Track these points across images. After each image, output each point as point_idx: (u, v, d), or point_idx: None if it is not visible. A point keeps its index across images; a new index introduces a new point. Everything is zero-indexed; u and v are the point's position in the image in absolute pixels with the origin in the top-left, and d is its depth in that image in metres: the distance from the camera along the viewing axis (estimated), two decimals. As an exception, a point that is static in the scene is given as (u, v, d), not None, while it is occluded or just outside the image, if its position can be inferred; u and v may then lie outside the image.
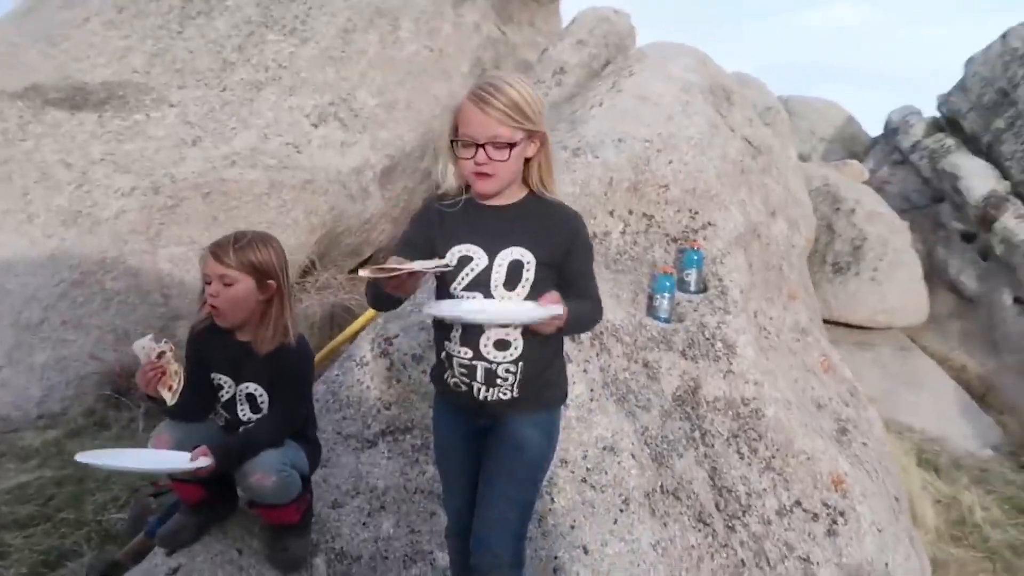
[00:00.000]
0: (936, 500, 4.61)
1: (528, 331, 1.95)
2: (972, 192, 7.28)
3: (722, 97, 4.53)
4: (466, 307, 1.93)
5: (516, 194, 1.98)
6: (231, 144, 5.49)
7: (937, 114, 8.56)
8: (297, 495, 2.22)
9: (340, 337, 4.17)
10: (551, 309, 1.82)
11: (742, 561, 2.74)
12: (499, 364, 1.97)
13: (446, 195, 2.00)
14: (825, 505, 3.02)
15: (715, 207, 3.69)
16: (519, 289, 1.94)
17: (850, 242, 7.10)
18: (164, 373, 2.05)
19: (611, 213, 3.64)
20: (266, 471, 2.09)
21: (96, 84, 6.03)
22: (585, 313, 2.00)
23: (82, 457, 1.97)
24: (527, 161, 1.93)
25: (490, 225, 1.96)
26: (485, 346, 1.96)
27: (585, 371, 2.88)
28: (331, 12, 6.34)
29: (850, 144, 10.06)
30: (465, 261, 1.94)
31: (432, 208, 2.03)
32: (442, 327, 2.02)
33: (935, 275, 7.43)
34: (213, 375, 2.24)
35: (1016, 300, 6.72)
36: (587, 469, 2.67)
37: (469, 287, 1.95)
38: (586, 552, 2.51)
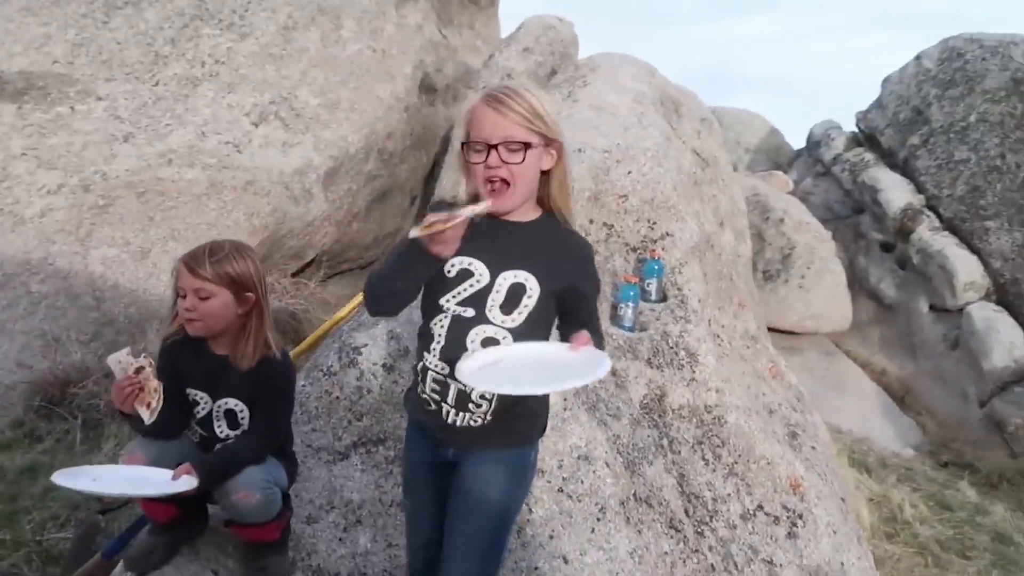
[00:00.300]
0: (869, 499, 4.82)
1: None
2: (891, 205, 7.66)
3: (671, 109, 4.63)
4: (487, 358, 1.72)
5: (530, 213, 1.87)
6: (166, 141, 5.26)
7: (856, 129, 8.99)
8: (278, 512, 2.14)
9: (314, 335, 4.01)
10: (599, 365, 1.60)
11: (712, 566, 2.79)
12: (474, 388, 1.81)
13: (455, 203, 1.84)
14: (785, 508, 3.11)
15: (672, 218, 3.76)
16: (515, 315, 1.83)
17: (780, 251, 7.36)
18: (142, 389, 1.94)
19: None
20: (250, 489, 2.01)
21: (12, 73, 5.69)
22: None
23: (58, 479, 1.85)
24: (544, 177, 1.84)
25: (498, 242, 1.83)
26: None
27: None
28: (271, 8, 6.16)
29: (775, 155, 10.44)
30: (465, 275, 1.83)
31: (442, 208, 1.82)
32: (427, 335, 1.89)
33: (857, 283, 7.79)
34: (188, 390, 2.14)
35: (932, 307, 7.11)
36: (563, 479, 2.68)
37: (464, 303, 1.84)
38: (566, 562, 2.51)
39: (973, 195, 7.22)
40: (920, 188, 7.70)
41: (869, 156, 8.46)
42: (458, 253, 1.79)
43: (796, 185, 9.10)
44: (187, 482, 1.93)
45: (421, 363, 1.91)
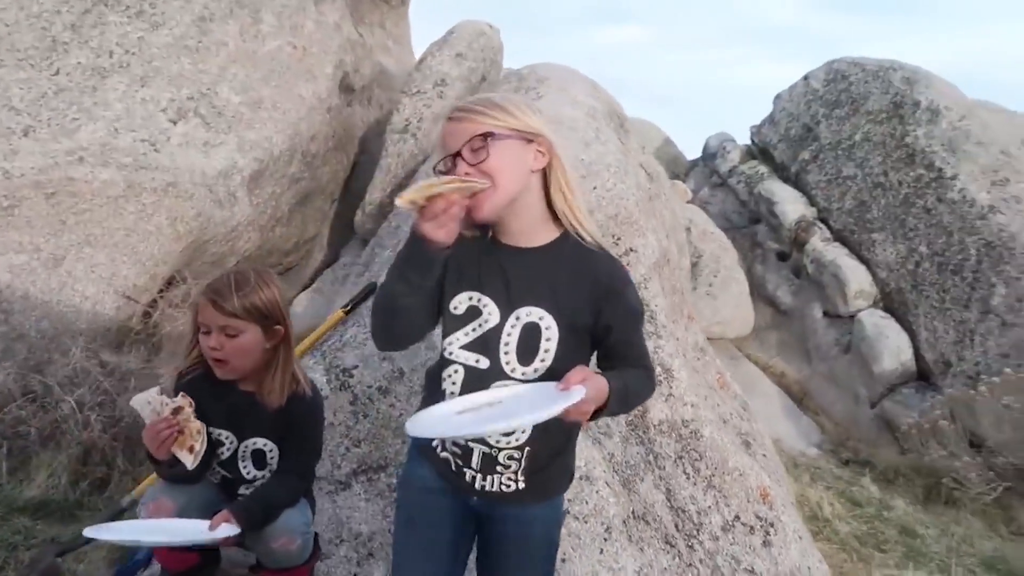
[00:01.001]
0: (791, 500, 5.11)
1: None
2: (786, 216, 8.15)
3: (618, 123, 4.72)
4: (456, 422, 1.52)
5: (542, 235, 1.62)
6: (74, 138, 4.82)
7: (750, 143, 9.49)
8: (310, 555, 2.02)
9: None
10: (569, 396, 1.42)
11: (704, 578, 2.88)
12: (501, 450, 1.63)
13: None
14: (758, 517, 3.25)
15: (635, 233, 3.84)
16: (536, 363, 1.58)
17: (688, 259, 7.67)
18: (182, 432, 1.78)
19: (542, 237, 3.66)
20: (292, 535, 1.89)
21: None
22: (634, 389, 1.64)
23: (90, 532, 1.66)
24: (546, 184, 1.62)
25: (509, 272, 1.60)
26: None
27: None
28: (185, -3, 5.78)
29: (672, 165, 10.84)
30: (472, 314, 1.62)
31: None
32: (437, 383, 1.65)
33: (755, 290, 8.23)
34: (211, 430, 1.98)
35: (825, 314, 7.62)
36: (568, 500, 2.68)
37: (472, 347, 1.61)
38: (578, 585, 2.52)
39: (860, 209, 7.79)
40: (812, 201, 8.23)
41: (763, 169, 8.96)
42: (463, 287, 1.62)
43: (694, 195, 9.50)
44: (226, 530, 1.78)
45: None
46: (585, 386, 1.45)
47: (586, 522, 2.64)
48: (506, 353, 1.60)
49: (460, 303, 1.64)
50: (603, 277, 1.63)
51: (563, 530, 2.62)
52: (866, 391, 7.00)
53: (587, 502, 2.67)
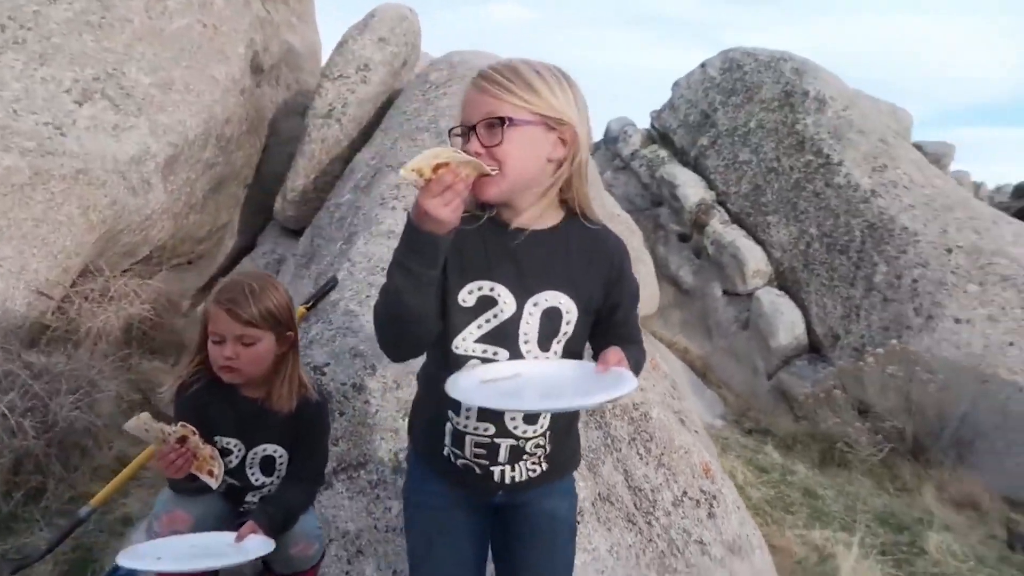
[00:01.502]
0: (709, 469, 5.44)
1: None
2: (687, 200, 8.53)
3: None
4: (503, 372, 1.44)
5: (551, 216, 1.53)
6: (-31, 120, 4.46)
7: (651, 127, 9.84)
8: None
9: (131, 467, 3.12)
10: (624, 380, 1.38)
11: (662, 552, 3.07)
12: (528, 440, 1.57)
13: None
14: (702, 491, 3.48)
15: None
16: (555, 346, 1.52)
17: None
18: (196, 457, 1.75)
19: (491, 228, 3.73)
20: (309, 539, 1.91)
21: None
22: (640, 362, 1.62)
23: (123, 560, 1.62)
24: (559, 172, 1.48)
25: (520, 257, 1.49)
26: (512, 419, 1.56)
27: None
28: (83, -32, 5.41)
29: (574, 148, 11.09)
30: (486, 304, 1.50)
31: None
32: (443, 387, 1.47)
33: (658, 270, 8.59)
34: (218, 438, 1.95)
35: (725, 292, 8.07)
36: (542, 486, 2.79)
37: (487, 339, 1.51)
38: (559, 567, 2.64)
39: (755, 193, 8.26)
40: (711, 185, 8.66)
41: (664, 153, 9.32)
42: (470, 277, 1.49)
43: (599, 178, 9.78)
44: (265, 545, 1.76)
45: (448, 424, 1.58)
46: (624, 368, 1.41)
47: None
48: (526, 342, 1.50)
49: (468, 295, 1.50)
50: (615, 257, 1.58)
51: (539, 515, 2.73)
52: (764, 364, 7.49)
53: (559, 487, 2.81)
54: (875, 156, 7.75)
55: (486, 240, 1.50)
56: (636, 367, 1.54)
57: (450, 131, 1.51)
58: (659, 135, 9.65)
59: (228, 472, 1.96)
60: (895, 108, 10.47)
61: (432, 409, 1.60)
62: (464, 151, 1.40)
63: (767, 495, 5.41)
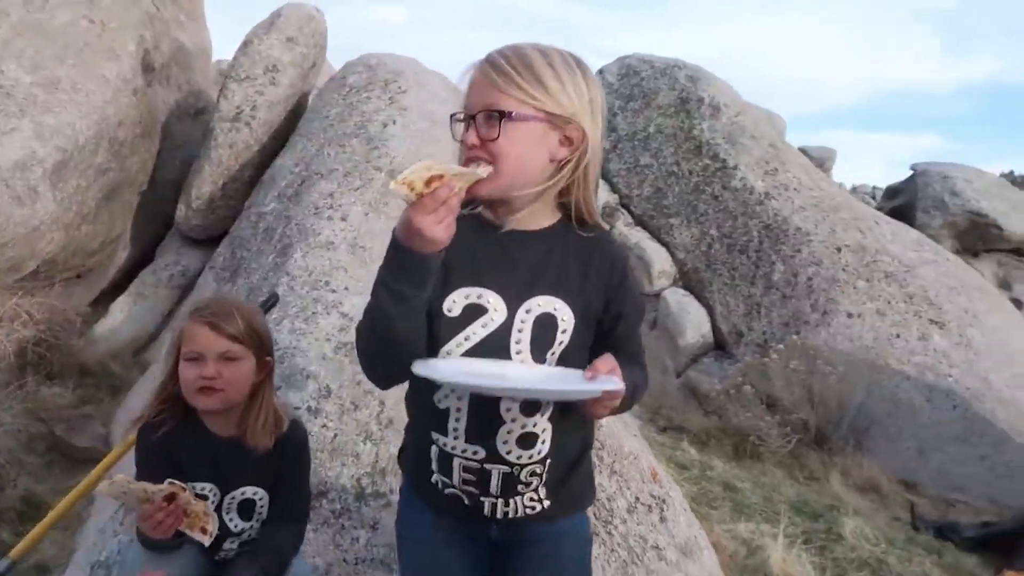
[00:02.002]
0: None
1: (558, 416, 1.44)
2: (592, 202, 8.66)
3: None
4: (487, 371, 1.34)
5: (546, 217, 1.42)
6: None
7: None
8: (302, 598, 1.89)
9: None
10: (611, 382, 1.29)
11: (624, 561, 3.06)
12: (523, 467, 1.43)
13: None
14: (652, 496, 3.50)
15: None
16: (548, 357, 1.40)
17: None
18: (187, 515, 1.57)
19: (431, 237, 3.62)
20: (302, 584, 1.75)
21: None
22: (640, 386, 1.49)
23: None
24: (560, 171, 1.38)
25: (511, 260, 1.39)
26: (505, 442, 1.41)
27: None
28: (-51, -45, 4.88)
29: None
30: (474, 313, 1.37)
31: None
32: (429, 408, 1.43)
33: (566, 273, 8.69)
34: (191, 484, 1.76)
35: (632, 293, 8.25)
36: (509, 503, 2.72)
37: (475, 352, 1.38)
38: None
39: (657, 196, 8.48)
40: (614, 188, 8.82)
41: (566, 157, 9.43)
42: (457, 283, 1.38)
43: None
44: None
45: (433, 447, 1.45)
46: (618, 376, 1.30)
47: (528, 523, 2.71)
48: (518, 352, 1.39)
49: (455, 303, 1.38)
50: (616, 263, 1.47)
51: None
52: (672, 363, 7.69)
53: (526, 503, 2.74)
54: (767, 160, 8.12)
55: (472, 241, 1.37)
56: (634, 392, 1.42)
57: (452, 116, 1.40)
58: (560, 139, 9.75)
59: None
60: (770, 113, 11.02)
61: (421, 432, 1.47)
62: (463, 140, 1.33)
63: (691, 491, 5.53)
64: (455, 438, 1.42)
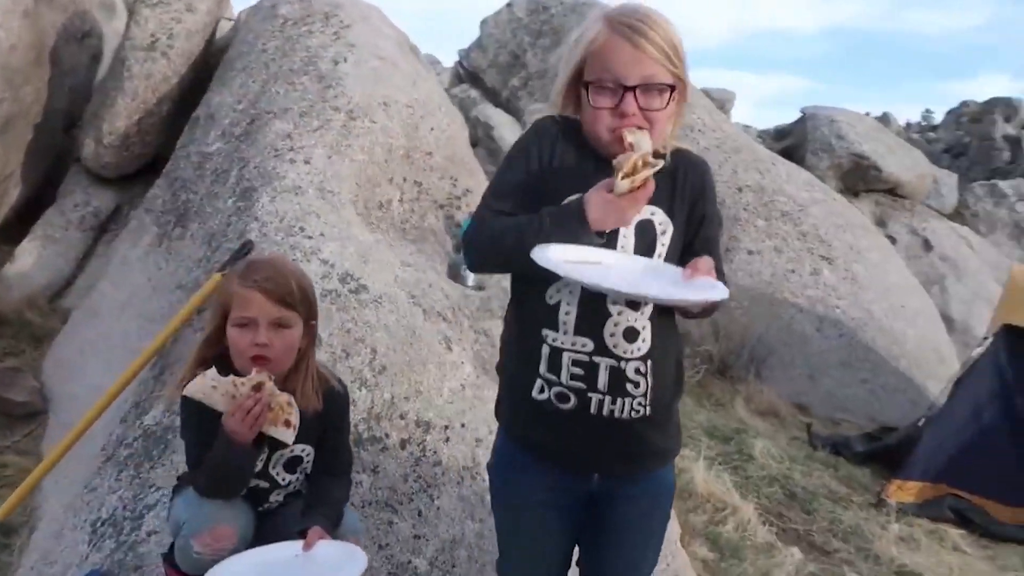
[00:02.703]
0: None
1: (657, 315, 1.51)
2: (503, 141, 8.65)
3: (415, 55, 4.65)
4: (591, 257, 1.40)
5: None
6: None
7: (460, 67, 9.78)
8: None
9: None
10: (718, 290, 1.40)
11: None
12: (628, 361, 1.48)
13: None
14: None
15: (468, 173, 3.94)
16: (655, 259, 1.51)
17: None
18: (271, 409, 1.58)
19: (391, 181, 3.58)
20: (356, 534, 1.81)
21: None
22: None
23: None
24: (677, 121, 1.55)
25: (608, 174, 1.42)
26: (612, 335, 1.47)
27: (463, 348, 2.96)
28: None
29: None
30: None
31: (549, 128, 1.51)
32: (541, 305, 1.48)
33: (477, 211, 8.72)
34: None
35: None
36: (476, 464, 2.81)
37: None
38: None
39: (568, 135, 8.59)
40: (525, 126, 8.85)
41: (474, 93, 9.34)
42: (567, 191, 1.47)
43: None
44: (360, 558, 1.60)
45: (544, 346, 1.50)
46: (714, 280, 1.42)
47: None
48: (624, 250, 1.49)
49: None
50: (700, 169, 1.60)
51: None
52: (585, 299, 7.95)
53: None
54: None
55: (582, 157, 1.50)
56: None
57: (587, 84, 1.47)
58: (468, 74, 9.63)
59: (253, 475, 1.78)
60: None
61: (530, 334, 1.51)
62: (613, 110, 1.44)
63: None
64: (565, 332, 1.47)
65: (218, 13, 5.15)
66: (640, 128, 1.45)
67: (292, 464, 1.82)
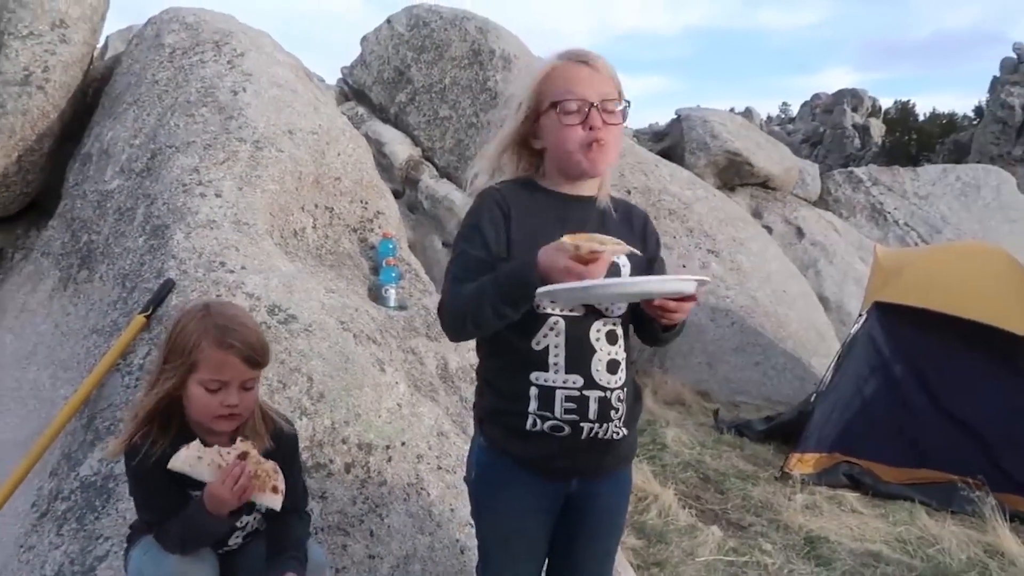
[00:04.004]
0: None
1: (627, 348, 1.70)
2: (396, 156, 8.69)
3: (308, 79, 4.65)
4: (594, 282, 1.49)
5: (588, 186, 1.72)
6: None
7: (344, 84, 9.71)
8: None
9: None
10: (699, 276, 1.52)
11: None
12: (612, 391, 1.66)
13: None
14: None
15: (377, 195, 3.99)
16: (615, 307, 1.68)
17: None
18: (257, 476, 1.61)
19: (303, 208, 3.59)
20: (322, 568, 1.85)
21: None
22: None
23: None
24: None
25: (578, 221, 1.62)
26: (597, 370, 1.65)
27: (395, 369, 3.02)
28: None
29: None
30: None
31: (494, 196, 1.64)
32: (527, 352, 1.62)
33: (374, 228, 8.70)
34: (196, 493, 1.74)
35: (444, 244, 8.46)
36: (437, 456, 2.90)
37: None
38: (471, 526, 2.80)
39: (460, 147, 8.70)
40: (416, 141, 8.91)
41: (362, 110, 9.31)
42: (541, 240, 1.55)
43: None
44: None
45: (532, 388, 1.64)
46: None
47: (455, 472, 2.89)
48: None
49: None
50: (646, 219, 1.84)
51: (442, 484, 2.86)
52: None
53: (450, 454, 2.92)
54: (559, 110, 8.62)
55: (543, 205, 1.66)
56: (683, 324, 1.72)
57: (556, 104, 1.62)
58: (354, 92, 9.59)
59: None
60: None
61: (519, 377, 1.65)
62: (582, 125, 1.61)
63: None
64: (556, 372, 1.63)
65: (93, 42, 4.96)
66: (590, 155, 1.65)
67: (250, 506, 1.83)
